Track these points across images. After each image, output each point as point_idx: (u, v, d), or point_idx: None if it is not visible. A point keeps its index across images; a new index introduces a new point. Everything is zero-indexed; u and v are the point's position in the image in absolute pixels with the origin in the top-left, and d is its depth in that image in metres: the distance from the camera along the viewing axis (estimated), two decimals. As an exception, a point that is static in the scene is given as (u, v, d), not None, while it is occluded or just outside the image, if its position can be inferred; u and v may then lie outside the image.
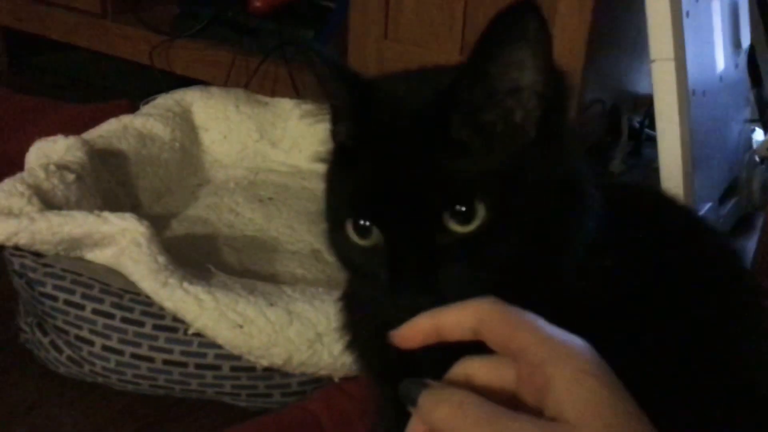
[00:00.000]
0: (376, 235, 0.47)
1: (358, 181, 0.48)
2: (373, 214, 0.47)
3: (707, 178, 1.15)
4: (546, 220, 0.46)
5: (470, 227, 0.45)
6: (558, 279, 0.47)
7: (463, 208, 0.45)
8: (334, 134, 0.52)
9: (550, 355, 0.38)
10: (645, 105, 1.39)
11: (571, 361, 0.38)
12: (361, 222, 0.48)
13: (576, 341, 0.39)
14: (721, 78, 1.21)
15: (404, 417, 0.46)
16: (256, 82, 1.48)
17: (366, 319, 0.56)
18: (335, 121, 0.52)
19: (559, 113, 0.47)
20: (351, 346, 0.60)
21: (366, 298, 0.53)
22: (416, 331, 0.43)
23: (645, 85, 1.36)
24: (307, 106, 0.52)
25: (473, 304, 0.41)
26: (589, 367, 0.37)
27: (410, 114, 0.48)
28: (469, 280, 0.46)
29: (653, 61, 1.03)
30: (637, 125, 1.46)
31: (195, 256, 1.02)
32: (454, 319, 0.41)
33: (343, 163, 0.50)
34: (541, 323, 0.39)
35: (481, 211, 0.45)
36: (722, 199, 1.24)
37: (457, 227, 0.45)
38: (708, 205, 1.15)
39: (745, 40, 1.31)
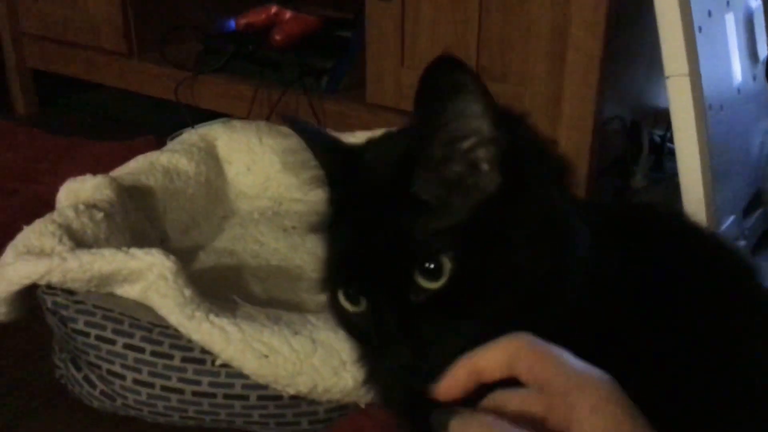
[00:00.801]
0: (363, 301, 0.49)
1: (339, 248, 0.51)
2: (354, 280, 0.49)
3: (729, 190, 1.15)
4: (521, 263, 0.47)
5: (439, 283, 0.46)
6: (557, 310, 0.48)
7: (431, 265, 0.46)
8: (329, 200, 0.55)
9: (573, 386, 0.40)
10: (666, 119, 1.39)
11: (592, 390, 0.40)
12: (348, 290, 0.50)
13: (597, 372, 0.41)
14: (738, 91, 1.21)
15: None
16: (277, 113, 1.51)
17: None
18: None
19: (522, 156, 0.48)
20: (370, 381, 0.61)
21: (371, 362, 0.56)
22: (456, 380, 0.44)
23: (665, 99, 1.36)
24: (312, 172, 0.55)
25: (504, 340, 0.43)
26: (609, 395, 0.40)
27: (378, 177, 0.50)
28: (451, 333, 0.47)
29: (668, 77, 1.04)
30: (658, 139, 1.46)
31: (222, 288, 1.05)
32: (490, 358, 0.43)
33: (330, 230, 0.53)
34: (566, 356, 0.42)
35: (447, 265, 0.46)
36: (746, 212, 1.24)
37: (428, 284, 0.47)
38: (731, 219, 1.14)
39: (762, 52, 1.31)
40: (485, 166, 0.47)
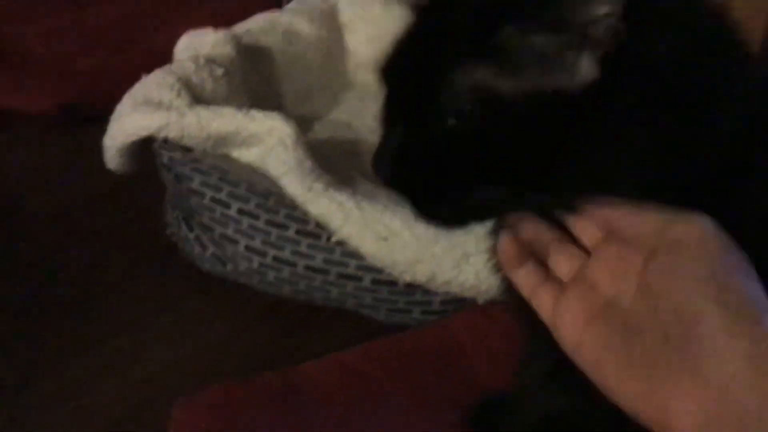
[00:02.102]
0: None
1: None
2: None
3: None
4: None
5: (456, 125, 0.42)
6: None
7: (460, 109, 0.42)
8: None
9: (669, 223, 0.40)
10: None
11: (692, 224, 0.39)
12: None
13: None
14: None
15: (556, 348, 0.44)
16: (404, -19, 1.40)
17: None
18: None
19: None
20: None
21: None
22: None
23: None
24: None
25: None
26: (710, 229, 0.39)
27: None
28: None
29: None
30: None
31: (338, 161, 0.99)
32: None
33: None
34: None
35: (475, 111, 0.42)
36: None
37: (447, 122, 0.43)
38: None
39: None
40: (590, 54, 0.40)
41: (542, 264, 0.46)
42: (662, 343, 0.37)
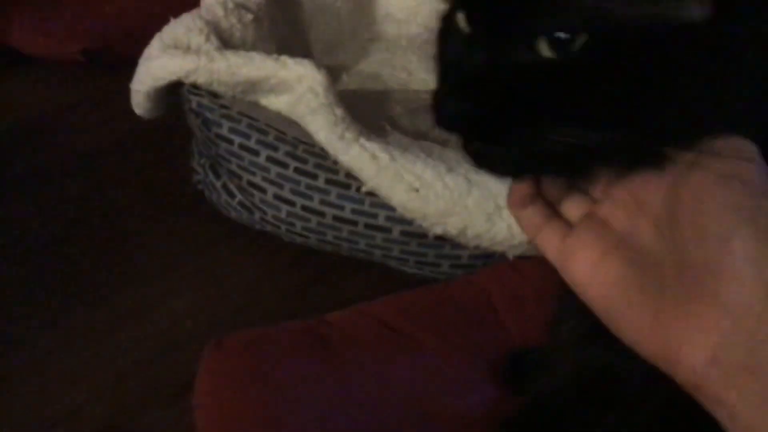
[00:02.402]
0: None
1: None
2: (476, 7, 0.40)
3: None
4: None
5: (556, 55, 0.36)
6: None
7: (562, 35, 0.36)
8: None
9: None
10: None
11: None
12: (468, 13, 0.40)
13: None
14: None
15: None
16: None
17: None
18: None
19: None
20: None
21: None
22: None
23: None
24: None
25: None
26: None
27: None
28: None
29: None
30: None
31: (367, 112, 0.97)
32: None
33: None
34: None
35: (579, 41, 0.36)
36: None
37: (545, 52, 0.36)
38: None
39: None
40: None
41: (551, 208, 0.44)
42: (679, 271, 0.35)
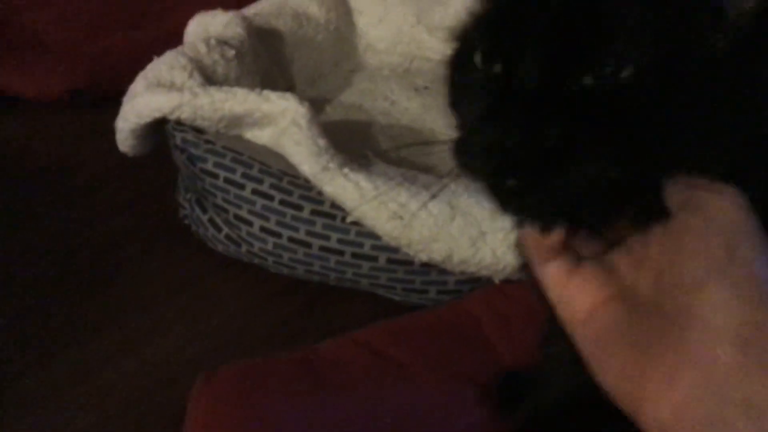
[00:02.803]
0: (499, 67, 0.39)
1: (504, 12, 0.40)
2: (509, 41, 0.39)
3: None
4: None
5: (604, 84, 0.36)
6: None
7: (611, 66, 0.35)
8: None
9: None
10: None
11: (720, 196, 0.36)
12: (493, 49, 0.39)
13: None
14: None
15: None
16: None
17: None
18: None
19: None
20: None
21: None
22: None
23: None
24: None
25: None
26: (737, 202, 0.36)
27: None
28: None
29: None
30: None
31: (350, 143, 0.99)
32: None
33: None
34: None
35: (626, 72, 0.36)
36: None
37: (590, 80, 0.36)
38: None
39: None
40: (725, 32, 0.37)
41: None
42: (658, 318, 0.35)
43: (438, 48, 1.24)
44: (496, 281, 0.82)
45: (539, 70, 0.36)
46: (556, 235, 0.41)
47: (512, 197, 0.39)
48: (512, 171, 0.37)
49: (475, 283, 0.83)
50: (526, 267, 0.54)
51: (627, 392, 0.36)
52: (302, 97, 1.06)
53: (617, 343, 0.37)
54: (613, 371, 0.37)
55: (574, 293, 0.40)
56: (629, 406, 0.36)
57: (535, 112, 0.36)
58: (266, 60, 1.06)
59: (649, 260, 0.37)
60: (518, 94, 0.37)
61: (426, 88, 1.14)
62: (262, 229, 0.84)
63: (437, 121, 1.07)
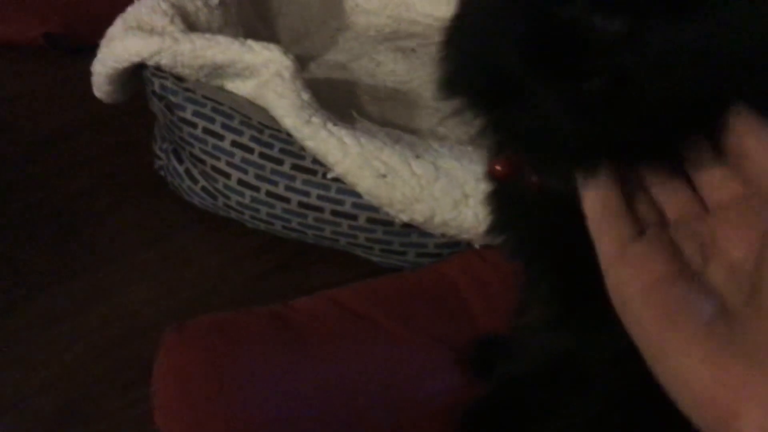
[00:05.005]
0: None
1: None
2: None
3: None
4: None
5: None
6: None
7: None
8: None
9: None
10: None
11: None
12: None
13: None
14: None
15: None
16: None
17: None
18: None
19: None
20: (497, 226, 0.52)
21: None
22: None
23: None
24: None
25: None
26: None
27: None
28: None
29: None
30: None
31: (335, 101, 0.96)
32: None
33: None
34: None
35: None
36: None
37: None
38: None
39: None
40: None
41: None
42: (758, 330, 0.31)
43: (427, 11, 1.21)
44: (476, 246, 0.80)
45: None
46: (619, 197, 0.35)
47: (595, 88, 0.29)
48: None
49: (455, 247, 0.82)
50: (501, 230, 0.53)
51: (710, 404, 0.31)
52: (286, 51, 1.04)
53: (686, 338, 0.32)
54: (684, 373, 0.32)
55: (631, 264, 0.35)
56: (710, 420, 0.31)
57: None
58: (251, 12, 1.03)
59: (723, 249, 0.34)
60: None
61: (413, 50, 1.12)
62: (240, 182, 0.82)
63: (423, 84, 1.05)
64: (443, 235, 0.80)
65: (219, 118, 0.82)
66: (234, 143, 0.81)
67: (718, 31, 0.28)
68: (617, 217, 0.36)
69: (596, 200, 0.36)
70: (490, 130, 0.42)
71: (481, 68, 0.36)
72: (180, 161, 0.87)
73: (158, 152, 0.91)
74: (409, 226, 0.80)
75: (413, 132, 0.96)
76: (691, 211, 0.36)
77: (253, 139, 0.81)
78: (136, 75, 0.86)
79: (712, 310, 0.32)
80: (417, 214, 0.77)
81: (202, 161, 0.83)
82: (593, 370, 0.48)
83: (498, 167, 0.45)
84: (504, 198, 0.51)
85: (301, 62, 1.06)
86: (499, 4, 0.32)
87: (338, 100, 0.99)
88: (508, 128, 0.39)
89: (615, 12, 0.27)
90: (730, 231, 0.34)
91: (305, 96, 0.80)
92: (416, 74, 1.06)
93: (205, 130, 0.82)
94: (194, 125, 0.82)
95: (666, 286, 0.34)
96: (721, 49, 0.29)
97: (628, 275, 0.35)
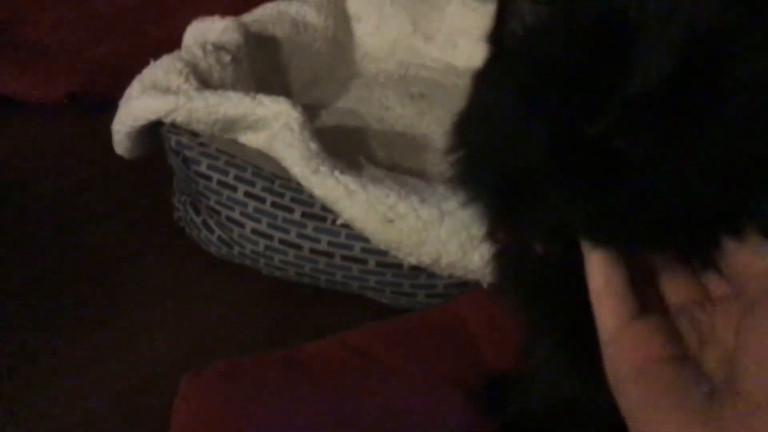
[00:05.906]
0: None
1: None
2: None
3: None
4: None
5: None
6: None
7: None
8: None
9: None
10: None
11: None
12: None
13: None
14: None
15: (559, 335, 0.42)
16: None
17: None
18: None
19: None
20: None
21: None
22: None
23: None
24: None
25: None
26: None
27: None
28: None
29: None
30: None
31: (345, 148, 1.00)
32: None
33: None
34: None
35: None
36: None
37: None
38: None
39: None
40: None
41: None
42: (735, 408, 0.31)
43: (434, 56, 1.25)
44: (485, 285, 0.82)
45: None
46: (624, 274, 0.35)
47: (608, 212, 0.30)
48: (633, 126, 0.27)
49: (464, 287, 0.83)
50: (502, 272, 0.54)
51: None
52: (298, 103, 1.08)
53: (674, 416, 0.32)
54: None
55: (631, 339, 0.35)
56: None
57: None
58: (263, 65, 1.07)
59: (718, 336, 0.34)
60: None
61: (422, 95, 1.15)
62: (254, 231, 0.85)
63: (431, 127, 1.08)
64: (451, 276, 0.82)
65: (232, 171, 0.85)
66: (247, 194, 0.85)
67: (739, 143, 0.29)
68: (619, 294, 0.36)
69: (600, 273, 0.36)
70: (498, 217, 0.43)
71: (494, 167, 0.37)
72: (197, 212, 0.90)
73: (177, 204, 0.95)
74: (417, 269, 0.82)
75: (421, 174, 0.99)
76: (696, 299, 0.36)
77: (264, 189, 0.84)
78: (153, 132, 0.91)
79: (703, 395, 0.33)
80: (424, 256, 0.80)
81: (218, 212, 0.87)
82: (598, 415, 0.49)
83: (500, 235, 0.47)
84: (506, 259, 0.52)
85: (313, 110, 1.10)
86: (521, 111, 0.33)
87: (348, 145, 1.02)
88: (516, 217, 0.40)
89: (641, 134, 0.28)
90: (729, 322, 0.34)
91: (313, 146, 0.83)
92: (424, 118, 1.10)
93: (220, 183, 0.86)
94: (209, 178, 0.86)
95: (659, 367, 0.34)
96: (742, 158, 0.29)
97: (625, 353, 0.35)
